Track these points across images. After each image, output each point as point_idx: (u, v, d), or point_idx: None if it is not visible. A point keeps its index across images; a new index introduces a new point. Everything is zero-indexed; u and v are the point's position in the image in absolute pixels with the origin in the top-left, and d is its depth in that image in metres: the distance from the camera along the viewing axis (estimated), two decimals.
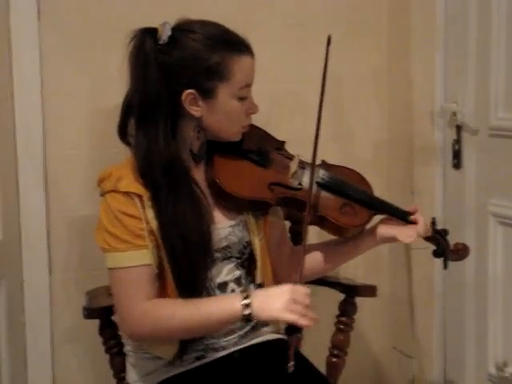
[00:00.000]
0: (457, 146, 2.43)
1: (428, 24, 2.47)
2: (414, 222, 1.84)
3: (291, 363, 1.58)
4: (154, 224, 1.68)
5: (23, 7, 2.17)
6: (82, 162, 2.28)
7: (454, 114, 2.41)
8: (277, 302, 1.59)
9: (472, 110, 2.36)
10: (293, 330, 1.61)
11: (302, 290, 1.61)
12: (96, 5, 2.25)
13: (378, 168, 2.60)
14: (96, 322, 1.95)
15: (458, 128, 2.42)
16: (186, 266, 1.68)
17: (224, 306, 1.63)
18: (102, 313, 1.88)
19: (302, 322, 1.58)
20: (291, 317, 1.58)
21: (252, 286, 1.83)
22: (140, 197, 1.68)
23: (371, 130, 2.61)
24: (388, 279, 2.67)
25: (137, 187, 1.68)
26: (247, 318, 1.61)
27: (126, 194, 1.68)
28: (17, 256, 2.24)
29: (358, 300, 2.06)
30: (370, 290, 2.03)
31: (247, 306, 1.60)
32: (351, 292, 2.03)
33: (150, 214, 1.68)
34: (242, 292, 1.67)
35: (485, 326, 2.36)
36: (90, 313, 1.89)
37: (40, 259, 2.27)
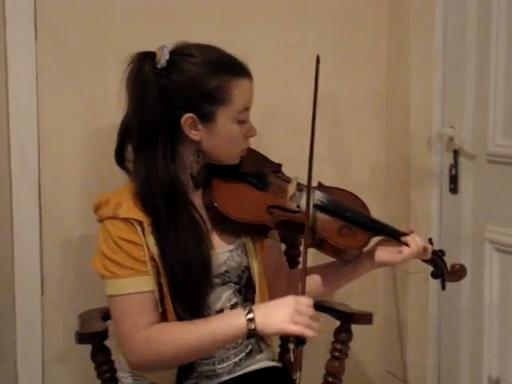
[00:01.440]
0: (454, 171, 2.43)
1: (426, 48, 2.48)
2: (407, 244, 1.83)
3: (298, 374, 1.57)
4: (154, 250, 1.66)
5: (20, 26, 2.16)
6: (77, 182, 2.26)
7: (452, 138, 2.41)
8: (280, 314, 1.57)
9: (470, 135, 2.37)
10: (299, 341, 1.58)
11: (305, 301, 1.59)
12: (93, 25, 2.25)
13: (375, 191, 2.59)
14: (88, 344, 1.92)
15: (456, 153, 2.42)
16: (186, 293, 1.66)
17: (228, 322, 1.61)
18: (95, 338, 1.85)
19: (307, 333, 1.56)
20: (296, 328, 1.56)
21: None
22: (140, 223, 1.66)
23: (368, 153, 2.61)
24: (383, 303, 2.66)
25: (137, 213, 1.66)
26: (252, 334, 1.59)
27: (126, 220, 1.66)
28: (9, 275, 2.22)
29: None
30: (365, 318, 2.01)
31: (251, 320, 1.58)
32: (347, 319, 2.01)
33: (151, 240, 1.66)
34: (244, 307, 1.64)
35: (480, 352, 2.35)
36: (82, 338, 1.85)
37: (32, 279, 2.25)
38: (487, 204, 2.32)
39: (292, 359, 2.04)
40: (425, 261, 1.90)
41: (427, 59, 2.48)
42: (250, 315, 1.58)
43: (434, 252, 1.89)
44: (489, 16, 2.25)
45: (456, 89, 2.41)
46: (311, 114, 1.79)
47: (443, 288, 1.93)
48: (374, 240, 1.89)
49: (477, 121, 2.34)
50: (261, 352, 1.85)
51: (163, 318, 1.68)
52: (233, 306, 1.78)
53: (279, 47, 2.45)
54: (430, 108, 2.49)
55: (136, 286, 1.65)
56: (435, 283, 2.50)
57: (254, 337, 1.64)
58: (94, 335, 1.86)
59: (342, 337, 1.99)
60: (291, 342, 2.02)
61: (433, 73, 2.48)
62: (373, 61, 2.58)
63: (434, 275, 1.92)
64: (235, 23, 2.39)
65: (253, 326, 1.58)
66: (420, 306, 2.56)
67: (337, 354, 1.99)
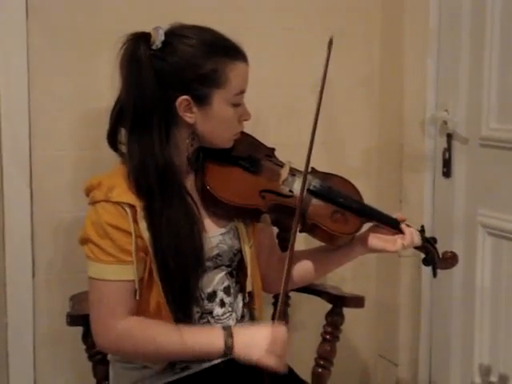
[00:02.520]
0: (447, 155, 2.43)
1: (421, 31, 2.46)
2: (402, 231, 1.83)
3: None
4: (146, 235, 1.64)
5: (11, 6, 2.14)
6: (68, 164, 2.26)
7: (445, 122, 2.40)
8: (258, 345, 1.61)
9: (463, 119, 2.36)
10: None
11: (281, 331, 1.63)
12: (85, 6, 2.23)
13: (368, 175, 2.59)
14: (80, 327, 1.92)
15: (449, 136, 2.41)
16: (178, 277, 1.65)
17: (207, 341, 1.64)
18: (86, 320, 1.83)
19: (281, 368, 1.62)
20: (272, 363, 1.60)
21: (240, 295, 1.82)
22: (132, 207, 1.64)
23: (361, 137, 2.60)
24: (375, 286, 2.66)
25: (130, 197, 1.65)
26: (228, 356, 1.64)
27: (118, 204, 1.64)
28: (0, 257, 2.22)
29: None
30: (357, 301, 2.01)
31: (229, 346, 1.62)
32: (338, 302, 2.01)
33: (143, 225, 1.64)
34: (224, 329, 1.65)
35: (471, 336, 2.36)
36: (73, 320, 1.85)
37: (23, 261, 2.25)
38: (480, 188, 2.32)
39: None
40: (416, 248, 1.90)
41: (421, 42, 2.46)
42: (230, 340, 1.62)
43: (425, 239, 1.88)
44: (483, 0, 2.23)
45: (450, 72, 2.40)
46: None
47: (434, 275, 1.93)
48: (366, 226, 1.88)
49: (470, 104, 2.33)
50: None
51: (147, 304, 1.67)
52: (225, 289, 1.78)
53: (271, 31, 2.43)
54: (424, 91, 2.48)
55: (117, 274, 1.65)
56: (429, 269, 2.52)
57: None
58: (85, 317, 1.83)
59: (334, 320, 1.99)
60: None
61: (426, 56, 2.47)
62: (366, 44, 2.57)
63: (426, 262, 1.92)
64: (228, 6, 2.36)
65: (229, 352, 1.62)
66: (412, 290, 2.57)
67: (328, 337, 1.99)
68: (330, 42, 1.81)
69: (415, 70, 2.48)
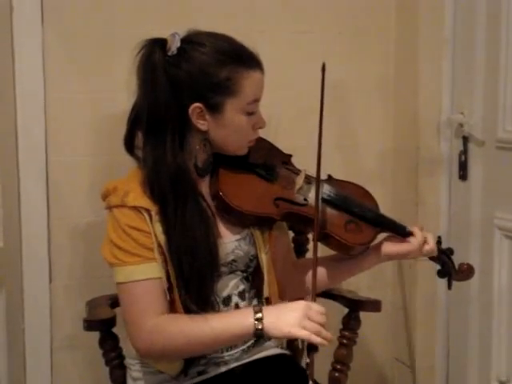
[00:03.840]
0: (463, 158, 2.41)
1: (436, 33, 2.45)
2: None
3: (310, 382, 1.56)
4: (161, 239, 1.65)
5: (26, 12, 2.14)
6: (84, 169, 2.26)
7: (461, 125, 2.39)
8: (289, 317, 1.56)
9: (479, 121, 2.34)
10: (310, 348, 1.56)
11: (317, 308, 1.58)
12: (100, 10, 2.23)
13: (383, 179, 2.57)
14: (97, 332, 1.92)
15: (465, 139, 2.40)
16: (193, 281, 1.66)
17: (237, 321, 1.60)
18: (103, 325, 1.85)
19: (313, 339, 1.54)
20: (303, 333, 1.54)
21: (255, 301, 1.81)
22: (148, 211, 1.65)
23: (376, 140, 2.59)
24: (391, 291, 2.65)
25: (145, 201, 1.66)
26: (259, 334, 1.58)
27: (134, 208, 1.65)
28: (17, 263, 2.22)
29: None
30: (374, 305, 2.00)
31: (259, 320, 1.57)
32: (355, 306, 2.00)
33: (158, 228, 1.65)
34: (254, 306, 1.63)
35: (488, 341, 2.34)
36: (90, 325, 1.86)
37: (40, 266, 2.25)
38: (497, 191, 2.30)
39: (300, 346, 2.05)
40: (432, 259, 1.89)
41: (436, 45, 2.45)
42: (259, 315, 1.57)
43: (441, 250, 1.87)
44: (499, 1, 2.22)
45: (465, 75, 2.39)
46: (319, 115, 1.77)
47: (449, 287, 1.93)
48: (381, 235, 1.87)
49: (486, 107, 2.32)
50: (269, 339, 1.84)
51: (170, 307, 1.67)
52: (240, 294, 1.78)
53: (285, 34, 2.42)
54: (439, 94, 2.47)
55: (144, 273, 1.64)
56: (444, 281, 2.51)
57: (261, 337, 1.61)
58: (102, 322, 1.86)
59: (351, 324, 1.99)
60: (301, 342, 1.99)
61: (442, 58, 2.45)
62: (381, 47, 2.56)
63: (441, 274, 1.91)
64: (242, 9, 2.36)
65: (260, 326, 1.57)
66: (428, 294, 2.55)
67: (345, 341, 1.98)
68: (323, 68, 1.79)
69: (430, 73, 2.47)
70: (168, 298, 1.66)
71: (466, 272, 1.91)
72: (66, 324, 2.28)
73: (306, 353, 1.58)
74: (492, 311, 2.32)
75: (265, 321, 1.57)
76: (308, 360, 1.56)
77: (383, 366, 2.71)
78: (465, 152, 2.40)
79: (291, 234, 2.12)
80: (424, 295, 2.55)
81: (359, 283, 2.40)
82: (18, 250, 2.22)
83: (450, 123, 2.45)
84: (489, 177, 2.34)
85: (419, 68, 2.47)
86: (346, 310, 2.02)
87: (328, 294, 2.06)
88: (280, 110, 2.35)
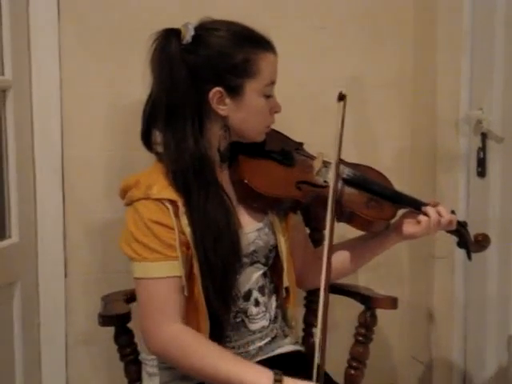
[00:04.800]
0: (481, 154, 2.38)
1: (454, 29, 2.42)
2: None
3: None
4: (187, 231, 1.64)
5: (43, 7, 2.16)
6: (100, 165, 2.26)
7: (480, 121, 2.36)
8: None
9: (498, 117, 2.31)
10: None
11: None
12: (116, 5, 2.23)
13: (401, 175, 2.54)
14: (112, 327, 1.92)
15: (483, 136, 2.37)
16: (217, 271, 1.65)
17: (254, 376, 1.54)
18: (118, 320, 1.84)
19: None
20: None
21: (274, 296, 1.83)
22: (173, 203, 1.64)
23: (394, 137, 2.57)
24: (408, 288, 2.63)
25: (170, 193, 1.65)
26: None
27: (159, 201, 1.64)
28: (33, 258, 2.23)
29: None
30: (390, 302, 1.98)
31: None
32: (371, 303, 1.98)
33: (184, 220, 1.64)
34: (275, 373, 1.55)
35: (507, 338, 2.31)
36: (105, 320, 1.85)
37: (56, 261, 2.26)
38: None
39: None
40: (449, 231, 1.92)
41: (455, 40, 2.42)
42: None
43: (457, 222, 1.90)
44: None
45: (484, 70, 2.36)
46: (336, 150, 1.77)
47: (469, 258, 1.95)
48: (400, 212, 1.90)
49: (505, 103, 2.29)
50: (285, 337, 1.84)
51: (190, 302, 1.66)
52: (260, 288, 1.79)
53: (303, 30, 2.41)
54: (458, 90, 2.44)
55: (164, 271, 1.63)
56: (461, 267, 2.49)
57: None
58: (117, 317, 1.85)
59: (367, 321, 1.97)
60: (315, 326, 2.01)
61: (460, 54, 2.43)
62: (399, 42, 2.54)
63: (460, 245, 1.95)
64: (259, 4, 2.36)
65: None
66: (446, 291, 2.53)
67: (361, 338, 1.97)
68: (341, 97, 1.79)
69: (449, 69, 2.44)
70: (186, 293, 1.65)
71: (482, 242, 1.95)
72: (81, 319, 2.29)
73: None
74: (510, 308, 2.29)
75: None
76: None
77: (400, 364, 2.69)
78: (483, 148, 2.38)
79: (307, 230, 2.10)
80: (441, 292, 2.53)
81: (375, 280, 2.39)
82: (34, 245, 2.23)
83: (469, 119, 2.43)
84: (508, 174, 2.31)
85: (437, 64, 2.45)
86: (362, 307, 2.00)
87: (344, 291, 2.06)
88: (296, 105, 2.33)
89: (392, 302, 1.99)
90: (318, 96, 2.41)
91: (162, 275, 1.63)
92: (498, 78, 2.30)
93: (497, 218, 2.36)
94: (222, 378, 1.56)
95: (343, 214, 1.80)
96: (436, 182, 2.49)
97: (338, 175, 1.77)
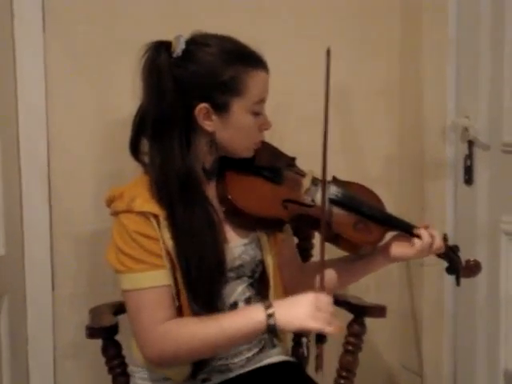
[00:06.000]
0: (468, 162, 2.40)
1: (440, 38, 2.44)
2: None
3: (321, 372, 1.59)
4: (169, 244, 1.64)
5: (28, 18, 2.15)
6: (87, 176, 2.25)
7: (466, 129, 2.38)
8: (300, 310, 1.56)
9: (484, 125, 2.33)
10: (319, 339, 1.58)
11: (325, 298, 1.59)
12: (102, 16, 2.23)
13: (389, 183, 2.56)
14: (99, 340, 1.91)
15: (470, 143, 2.38)
16: (201, 286, 1.64)
17: (248, 318, 1.59)
18: (105, 332, 1.83)
19: (327, 329, 1.55)
20: (316, 325, 1.55)
21: None
22: (156, 216, 1.64)
23: (382, 145, 2.58)
24: (398, 296, 2.63)
25: (152, 206, 1.64)
26: (272, 329, 1.57)
27: (141, 214, 1.64)
28: (20, 271, 2.22)
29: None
30: (379, 311, 1.98)
31: (271, 315, 1.56)
32: (360, 312, 1.98)
33: (166, 234, 1.64)
34: (264, 302, 1.61)
35: (496, 345, 2.32)
36: (92, 332, 1.84)
37: (43, 274, 2.24)
38: (503, 195, 2.29)
39: (305, 354, 2.05)
40: (439, 256, 1.87)
41: (440, 49, 2.44)
42: (270, 310, 1.57)
43: (448, 247, 1.86)
44: (502, 4, 2.21)
45: (470, 78, 2.38)
46: (324, 107, 1.75)
47: (458, 284, 1.91)
48: (389, 235, 1.86)
49: (491, 111, 2.30)
50: (273, 347, 1.83)
51: (179, 313, 1.66)
52: (246, 300, 1.77)
53: (290, 39, 2.42)
54: (444, 98, 2.46)
55: (152, 281, 1.63)
56: (452, 277, 2.48)
57: (273, 332, 1.61)
58: (105, 330, 1.84)
59: (356, 330, 1.96)
60: (305, 337, 2.01)
61: (446, 62, 2.45)
62: (386, 51, 2.55)
63: (449, 271, 1.90)
64: (248, 13, 2.36)
65: (272, 322, 1.56)
66: (435, 300, 2.53)
67: (350, 347, 1.96)
68: (328, 53, 1.76)
69: (435, 77, 2.46)
70: (177, 303, 1.65)
71: (474, 268, 1.90)
72: (70, 332, 2.27)
73: (314, 343, 1.60)
74: (499, 316, 2.30)
75: (276, 316, 1.56)
76: (317, 351, 1.59)
77: (390, 373, 2.69)
78: (470, 156, 2.39)
79: (296, 239, 2.10)
80: (431, 300, 2.54)
81: (365, 289, 2.39)
82: (21, 257, 2.21)
83: (455, 127, 2.44)
84: (494, 181, 2.33)
85: (423, 72, 2.47)
86: (351, 317, 2.00)
87: (333, 300, 2.04)
88: (284, 114, 2.33)
89: (381, 311, 1.99)
90: (304, 105, 2.41)
91: (150, 285, 1.63)
92: (483, 86, 2.32)
93: (484, 225, 2.37)
94: (224, 341, 1.60)
95: (329, 235, 1.76)
96: (423, 189, 2.50)
97: (325, 193, 1.73)
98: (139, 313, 1.64)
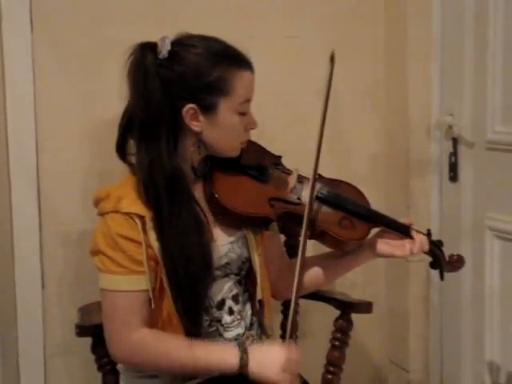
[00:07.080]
0: (453, 159, 2.42)
1: (424, 37, 2.46)
2: (411, 237, 1.83)
3: None
4: (155, 245, 1.65)
5: (16, 20, 2.16)
6: (76, 176, 2.26)
7: (451, 126, 2.40)
8: (271, 367, 1.62)
9: (468, 123, 2.35)
10: None
11: (294, 356, 1.64)
12: (89, 17, 2.24)
13: (375, 181, 2.59)
14: (89, 338, 1.92)
15: (455, 141, 2.41)
16: (187, 286, 1.66)
17: (221, 358, 1.64)
18: (95, 330, 1.84)
19: None
20: (285, 381, 1.62)
21: (249, 304, 1.82)
22: (141, 218, 1.65)
23: (367, 143, 2.60)
24: (384, 292, 2.66)
25: (138, 207, 1.65)
26: (241, 373, 1.63)
27: (127, 215, 1.65)
28: (9, 270, 2.22)
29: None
30: (365, 307, 2.01)
31: (244, 363, 1.62)
32: (346, 308, 2.00)
33: (152, 235, 1.65)
34: (239, 346, 1.66)
35: (481, 339, 2.35)
36: (82, 330, 1.85)
37: (33, 273, 2.25)
38: (487, 191, 2.31)
39: None
40: (423, 251, 1.89)
41: (425, 48, 2.46)
42: (244, 360, 1.62)
43: (432, 243, 1.88)
44: (486, 3, 2.23)
45: (454, 77, 2.40)
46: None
47: (442, 278, 1.93)
48: (374, 230, 1.88)
49: (475, 108, 2.32)
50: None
51: (159, 314, 1.68)
52: (234, 297, 1.79)
53: (276, 39, 2.44)
54: (429, 96, 2.48)
55: (129, 285, 1.65)
56: (436, 271, 2.50)
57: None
58: (94, 328, 1.84)
59: (342, 326, 1.99)
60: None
61: (431, 61, 2.47)
62: (371, 50, 2.57)
63: (433, 266, 1.92)
64: (234, 14, 2.38)
65: (244, 370, 1.62)
66: (421, 295, 2.56)
67: (337, 343, 1.99)
68: (332, 58, 1.79)
69: (419, 76, 2.48)
70: (153, 306, 1.66)
71: (457, 262, 1.93)
72: (59, 331, 2.29)
73: None
74: (484, 311, 2.32)
75: (249, 364, 1.62)
76: None
77: (377, 368, 2.71)
78: (455, 153, 2.41)
79: (283, 237, 2.12)
80: (417, 296, 2.56)
81: (352, 285, 2.41)
82: (10, 256, 2.22)
83: (440, 125, 2.46)
84: (479, 178, 2.35)
85: (408, 71, 2.48)
86: (338, 313, 2.02)
87: (319, 296, 2.07)
88: (271, 114, 2.34)
89: (367, 307, 2.02)
90: (291, 104, 2.43)
91: (125, 289, 1.65)
92: (467, 84, 2.34)
93: (469, 222, 2.39)
94: (192, 368, 1.65)
95: (315, 232, 1.79)
96: (409, 186, 2.52)
97: (313, 190, 1.76)
98: (113, 313, 1.67)
